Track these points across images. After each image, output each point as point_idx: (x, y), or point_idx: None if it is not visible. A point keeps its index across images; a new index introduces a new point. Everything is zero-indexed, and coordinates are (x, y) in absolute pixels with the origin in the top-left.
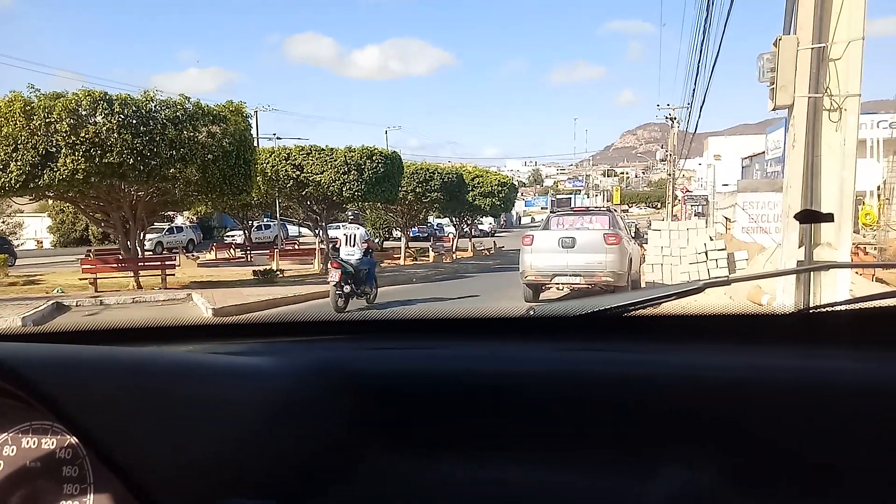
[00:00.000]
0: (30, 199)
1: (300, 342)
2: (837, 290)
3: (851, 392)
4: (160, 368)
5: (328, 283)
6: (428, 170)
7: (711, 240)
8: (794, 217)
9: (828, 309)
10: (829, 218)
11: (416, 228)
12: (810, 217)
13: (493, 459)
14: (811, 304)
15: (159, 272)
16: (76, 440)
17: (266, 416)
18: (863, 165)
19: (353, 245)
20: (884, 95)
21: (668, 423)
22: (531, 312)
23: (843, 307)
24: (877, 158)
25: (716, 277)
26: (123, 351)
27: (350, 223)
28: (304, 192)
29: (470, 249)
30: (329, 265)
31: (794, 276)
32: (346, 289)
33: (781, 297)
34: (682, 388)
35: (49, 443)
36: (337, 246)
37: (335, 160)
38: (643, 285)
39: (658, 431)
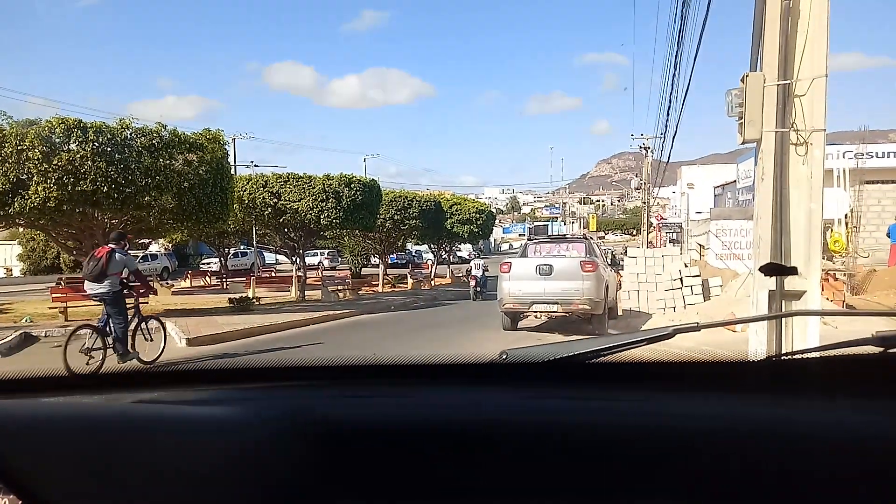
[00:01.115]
0: (0, 227)
1: (268, 388)
2: (808, 332)
3: (821, 440)
4: (112, 423)
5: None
6: (406, 197)
7: (686, 266)
8: (759, 270)
9: (798, 356)
10: (793, 271)
11: (395, 255)
12: (776, 270)
13: None
14: (782, 350)
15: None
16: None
17: (231, 472)
18: (830, 194)
19: (479, 269)
20: (848, 127)
21: (637, 471)
22: (503, 357)
23: (813, 354)
24: (843, 188)
25: (686, 324)
26: (69, 404)
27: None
28: (281, 220)
29: (449, 276)
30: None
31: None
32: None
33: (753, 333)
34: (652, 436)
35: None
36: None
37: (313, 188)
38: (620, 312)
39: (627, 480)
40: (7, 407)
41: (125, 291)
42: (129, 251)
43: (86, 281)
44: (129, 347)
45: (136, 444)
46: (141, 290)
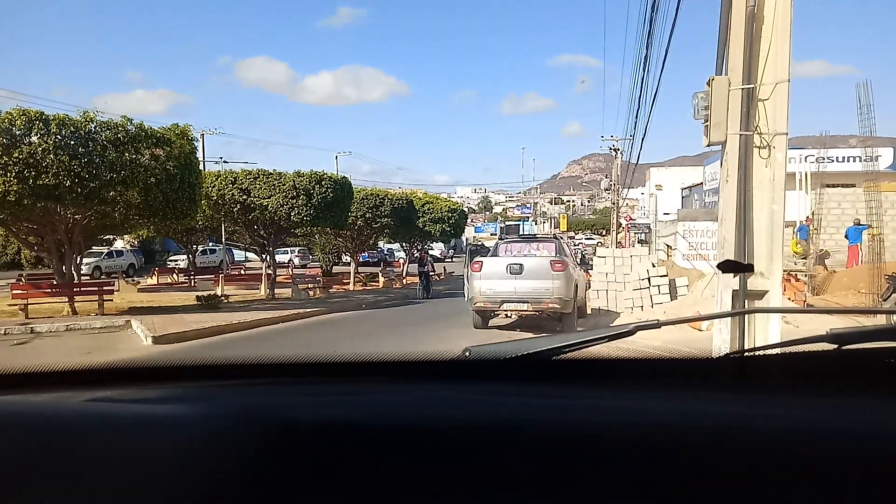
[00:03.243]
0: None
1: (228, 386)
2: (769, 330)
3: (782, 437)
4: (56, 422)
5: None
6: (378, 195)
7: (654, 266)
8: (717, 267)
9: (759, 353)
10: (749, 268)
11: (367, 253)
12: (733, 267)
13: None
14: (744, 345)
15: (96, 298)
16: None
17: (185, 470)
18: (793, 197)
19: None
20: (810, 132)
21: (598, 468)
22: (467, 354)
23: (774, 350)
24: (805, 191)
25: (647, 321)
26: (17, 402)
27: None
28: (250, 217)
29: None
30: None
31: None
32: None
33: (717, 331)
34: (615, 433)
35: None
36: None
37: (283, 185)
38: (589, 311)
39: (588, 477)
40: None
41: None
42: None
43: None
44: None
45: (87, 443)
46: None
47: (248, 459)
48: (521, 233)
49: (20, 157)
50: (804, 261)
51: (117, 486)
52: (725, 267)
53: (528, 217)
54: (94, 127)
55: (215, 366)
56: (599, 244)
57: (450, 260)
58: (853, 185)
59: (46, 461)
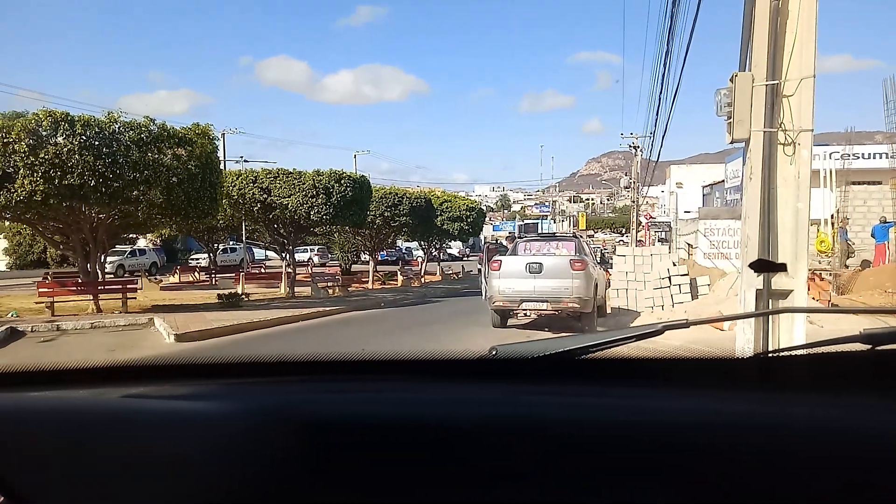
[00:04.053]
0: None
1: (257, 383)
2: (794, 330)
3: (809, 437)
4: (95, 418)
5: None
6: (397, 194)
7: (674, 265)
8: (749, 266)
9: (785, 353)
10: (782, 267)
11: (385, 252)
12: (765, 266)
13: None
14: (769, 346)
15: (120, 296)
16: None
17: (215, 466)
18: (817, 195)
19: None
20: (835, 128)
21: (626, 467)
22: (493, 354)
23: (800, 351)
24: (830, 188)
25: (675, 321)
26: (58, 399)
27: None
28: (271, 216)
29: (438, 273)
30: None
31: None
32: None
33: (741, 332)
34: (642, 432)
35: None
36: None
37: (303, 184)
38: (608, 311)
39: (616, 476)
40: None
41: None
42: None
43: None
44: None
45: (122, 437)
46: None
47: (278, 455)
48: (539, 231)
49: (46, 157)
50: (829, 259)
51: (152, 478)
52: (756, 266)
53: (546, 215)
54: (118, 127)
55: (242, 363)
56: (620, 241)
57: (466, 258)
58: (879, 182)
59: (87, 453)
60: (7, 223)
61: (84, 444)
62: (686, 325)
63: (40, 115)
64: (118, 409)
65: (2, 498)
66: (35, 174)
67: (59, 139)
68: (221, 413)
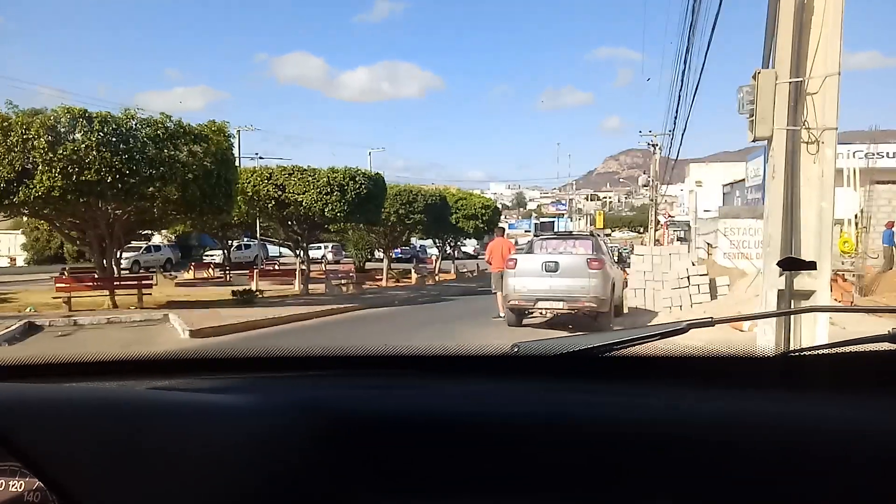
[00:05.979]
0: (3, 216)
1: (281, 378)
2: (817, 331)
3: (835, 436)
4: (130, 409)
5: None
6: (411, 191)
7: (693, 265)
8: (777, 265)
9: (808, 353)
10: (811, 266)
11: (399, 250)
12: (793, 264)
13: (476, 502)
14: (791, 346)
15: (135, 292)
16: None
17: (243, 460)
18: (840, 194)
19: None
20: (859, 126)
21: (648, 465)
22: (515, 350)
23: (822, 351)
24: (854, 187)
25: (699, 318)
26: (89, 389)
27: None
28: (285, 213)
29: (453, 272)
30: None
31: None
32: None
33: (762, 332)
34: (665, 429)
35: (17, 485)
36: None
37: (318, 181)
38: (626, 311)
39: (639, 473)
40: (28, 391)
41: None
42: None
43: None
44: None
45: (151, 429)
46: None
47: (304, 449)
48: (556, 230)
49: (64, 153)
50: (852, 260)
51: (180, 471)
52: (784, 264)
53: (562, 213)
54: (135, 124)
55: (265, 358)
56: (639, 241)
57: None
58: None
59: (121, 444)
60: (25, 219)
61: (114, 433)
62: (711, 323)
63: (58, 112)
64: (144, 401)
65: (40, 483)
66: (53, 170)
67: (77, 136)
68: (249, 407)
